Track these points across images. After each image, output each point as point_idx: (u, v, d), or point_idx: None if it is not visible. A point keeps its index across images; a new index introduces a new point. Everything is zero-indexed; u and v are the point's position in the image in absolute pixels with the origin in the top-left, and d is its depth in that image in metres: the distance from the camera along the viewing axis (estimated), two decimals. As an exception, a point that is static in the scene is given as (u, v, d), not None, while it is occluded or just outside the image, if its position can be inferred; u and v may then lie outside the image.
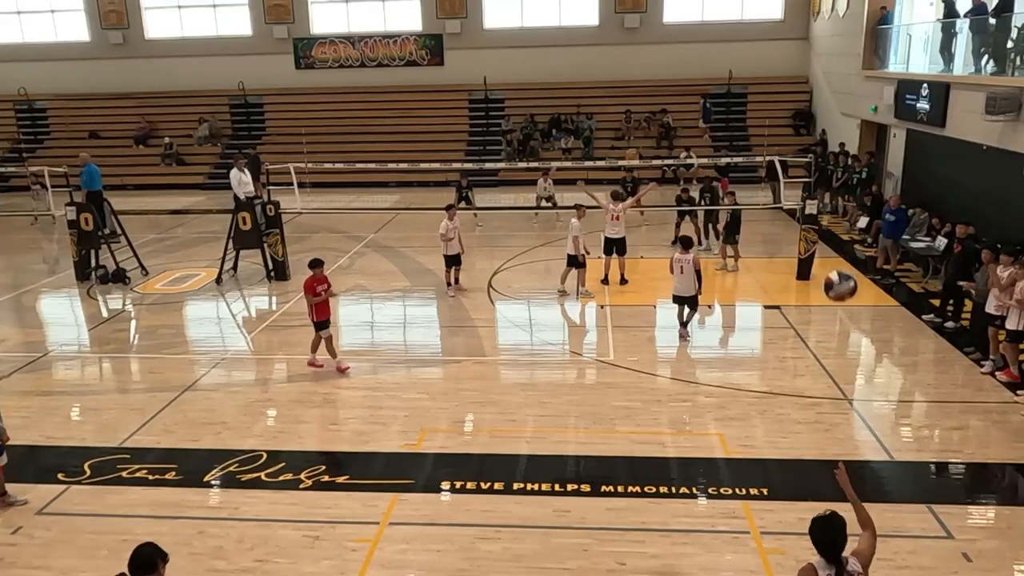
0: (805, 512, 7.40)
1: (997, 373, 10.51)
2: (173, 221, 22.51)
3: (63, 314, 14.97)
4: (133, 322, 14.08)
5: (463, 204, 19.02)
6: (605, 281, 14.81)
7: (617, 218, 14.56)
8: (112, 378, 11.66)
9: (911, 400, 10.25)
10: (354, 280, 16.00)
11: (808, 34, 27.52)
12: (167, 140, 28.75)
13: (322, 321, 11.02)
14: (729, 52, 27.85)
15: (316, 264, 11.08)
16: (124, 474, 8.49)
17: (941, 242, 14.80)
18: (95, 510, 7.87)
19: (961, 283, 11.97)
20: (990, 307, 10.62)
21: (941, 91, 15.35)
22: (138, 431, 9.51)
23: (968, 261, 12.12)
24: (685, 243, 12.10)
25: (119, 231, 17.26)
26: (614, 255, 14.76)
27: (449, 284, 14.80)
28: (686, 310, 12.09)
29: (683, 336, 12.10)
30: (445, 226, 14.28)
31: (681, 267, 11.75)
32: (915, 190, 18.41)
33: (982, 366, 10.75)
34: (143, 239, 19.21)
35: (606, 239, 14.74)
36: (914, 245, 15.46)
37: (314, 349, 11.26)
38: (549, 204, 19.98)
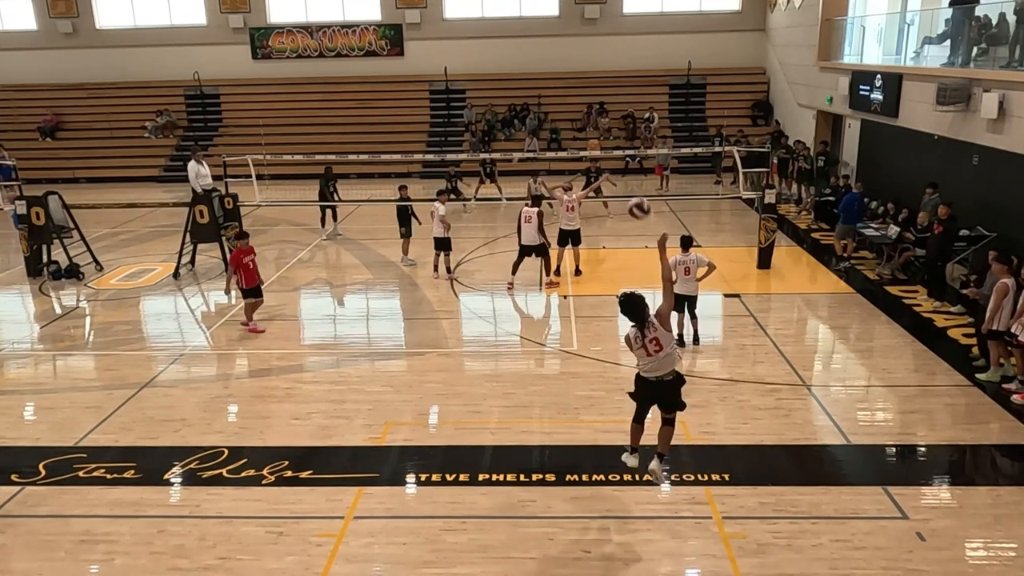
0: (766, 496, 7.60)
1: (1014, 396, 9.53)
2: (127, 215, 22.04)
3: (14, 311, 14.57)
4: (88, 318, 13.77)
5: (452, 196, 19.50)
6: (558, 272, 14.84)
7: (571, 209, 14.62)
8: (67, 376, 11.38)
9: (867, 385, 10.44)
10: (315, 273, 15.85)
11: (765, 25, 27.86)
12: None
13: (251, 288, 12.29)
14: (688, 43, 28.09)
15: (242, 236, 12.39)
16: (81, 473, 8.32)
17: (894, 230, 15.12)
18: (51, 511, 7.70)
19: (966, 291, 11.56)
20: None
21: (894, 82, 15.67)
22: (94, 429, 9.32)
23: (949, 242, 12.25)
24: (685, 243, 11.40)
25: (72, 225, 16.85)
26: (569, 246, 14.84)
27: (436, 269, 15.10)
28: (687, 317, 11.41)
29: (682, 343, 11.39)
30: (444, 209, 14.82)
31: (686, 268, 11.20)
32: (869, 179, 18.78)
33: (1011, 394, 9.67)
34: (96, 233, 18.77)
35: (561, 231, 14.74)
36: (867, 233, 15.76)
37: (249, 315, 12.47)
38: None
